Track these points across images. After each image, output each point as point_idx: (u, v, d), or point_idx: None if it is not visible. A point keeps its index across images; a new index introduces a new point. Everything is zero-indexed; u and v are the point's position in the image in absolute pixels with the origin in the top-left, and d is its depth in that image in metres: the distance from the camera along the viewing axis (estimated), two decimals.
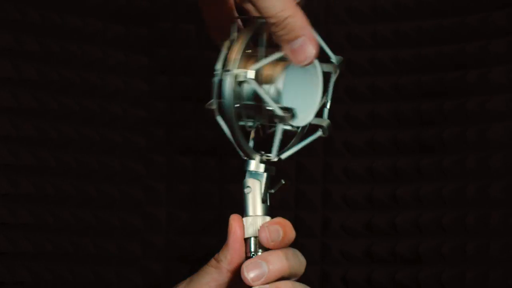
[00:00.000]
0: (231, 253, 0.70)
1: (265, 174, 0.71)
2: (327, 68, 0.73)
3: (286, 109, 0.69)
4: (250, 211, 0.70)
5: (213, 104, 0.70)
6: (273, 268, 0.68)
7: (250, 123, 0.71)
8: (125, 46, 0.91)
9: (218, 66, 0.69)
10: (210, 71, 0.92)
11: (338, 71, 0.74)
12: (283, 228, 0.69)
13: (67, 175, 0.85)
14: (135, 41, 0.92)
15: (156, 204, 0.91)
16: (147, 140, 0.91)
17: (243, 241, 0.70)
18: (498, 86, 0.84)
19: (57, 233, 0.84)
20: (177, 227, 0.91)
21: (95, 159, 0.87)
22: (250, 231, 0.70)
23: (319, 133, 0.73)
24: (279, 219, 0.70)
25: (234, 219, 0.70)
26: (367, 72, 0.90)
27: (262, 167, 0.71)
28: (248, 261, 0.68)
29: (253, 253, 0.70)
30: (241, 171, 0.73)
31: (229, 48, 0.70)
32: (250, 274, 0.68)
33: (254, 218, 0.70)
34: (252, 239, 0.70)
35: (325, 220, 0.90)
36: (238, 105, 0.69)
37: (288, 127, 0.71)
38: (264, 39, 0.69)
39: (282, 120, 0.69)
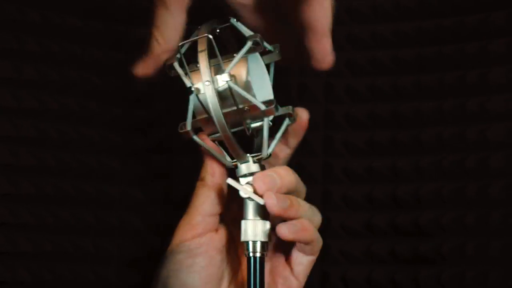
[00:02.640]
0: (209, 166, 0.73)
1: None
2: (269, 59, 0.75)
3: (267, 102, 0.70)
4: (250, 214, 0.71)
5: (187, 125, 0.71)
6: (284, 180, 0.70)
7: (235, 129, 0.72)
8: (125, 46, 0.91)
9: (189, 83, 0.70)
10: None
11: (279, 58, 0.75)
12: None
13: (67, 175, 0.85)
14: (135, 41, 0.91)
15: (156, 204, 0.91)
16: (147, 140, 0.91)
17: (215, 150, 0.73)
18: (497, 86, 0.84)
19: (57, 233, 0.84)
20: (176, 228, 0.91)
21: (95, 159, 0.87)
22: (249, 235, 0.70)
23: (288, 121, 0.74)
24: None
25: (201, 137, 0.73)
26: (366, 72, 0.90)
27: (255, 168, 0.72)
28: (259, 173, 0.70)
29: (251, 254, 0.70)
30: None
31: (190, 69, 0.71)
32: (263, 185, 0.69)
33: (254, 222, 0.70)
34: (251, 242, 0.70)
35: (325, 220, 0.90)
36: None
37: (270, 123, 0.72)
38: (216, 48, 0.71)
39: (269, 113, 0.70)
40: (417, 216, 0.87)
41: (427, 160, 0.87)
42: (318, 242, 0.73)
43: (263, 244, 0.70)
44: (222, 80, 0.69)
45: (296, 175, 0.73)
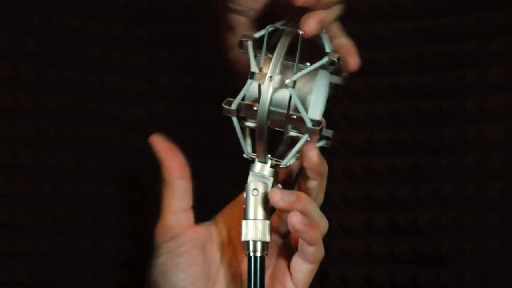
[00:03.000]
0: (165, 163, 0.74)
1: (271, 179, 0.71)
2: (336, 79, 0.74)
3: (315, 122, 0.70)
4: (251, 214, 0.70)
5: (234, 104, 0.70)
6: (299, 205, 0.70)
7: (273, 128, 0.72)
8: (124, 46, 0.91)
9: (255, 69, 0.70)
10: (209, 72, 0.92)
11: (342, 81, 0.75)
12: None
13: (66, 175, 0.85)
14: (134, 41, 0.92)
15: (155, 204, 0.91)
16: (146, 140, 0.91)
17: (167, 148, 0.74)
18: (496, 86, 0.84)
19: (56, 233, 0.84)
20: None
21: (94, 159, 0.87)
22: (250, 235, 0.70)
23: (322, 143, 0.73)
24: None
25: (152, 139, 0.75)
26: (365, 72, 0.90)
27: (269, 171, 0.71)
28: (278, 190, 0.70)
29: (252, 254, 0.70)
30: (240, 173, 0.73)
31: (264, 54, 0.70)
32: (281, 201, 0.69)
33: (255, 222, 0.70)
34: (251, 242, 0.70)
35: None
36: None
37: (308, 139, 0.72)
38: (299, 50, 0.70)
39: (312, 133, 0.70)
40: (416, 216, 0.87)
41: (426, 160, 0.87)
42: (321, 249, 0.72)
43: (264, 244, 0.70)
44: (285, 84, 0.69)
45: (315, 205, 0.72)
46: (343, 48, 0.74)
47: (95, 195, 0.87)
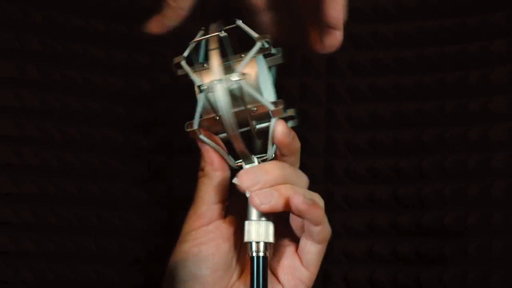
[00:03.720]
0: (207, 155, 0.73)
1: None
2: (273, 61, 0.75)
3: (275, 103, 0.70)
4: (254, 215, 0.71)
5: (195, 124, 0.71)
6: (269, 178, 0.70)
7: (241, 129, 0.72)
8: (127, 46, 0.91)
9: (199, 82, 0.70)
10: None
11: (282, 61, 0.76)
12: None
13: (69, 175, 0.85)
14: (138, 41, 0.92)
15: (158, 204, 0.91)
16: (149, 140, 0.91)
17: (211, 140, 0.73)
18: (499, 86, 0.84)
19: (59, 233, 0.84)
20: (178, 228, 0.91)
21: (97, 159, 0.87)
22: (253, 236, 0.70)
23: (289, 123, 0.74)
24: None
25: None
26: (368, 72, 0.90)
27: None
28: (242, 170, 0.71)
29: (255, 254, 0.70)
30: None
31: (200, 66, 0.71)
32: (244, 183, 0.69)
33: (258, 223, 0.70)
34: (254, 243, 0.70)
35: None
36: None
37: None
38: (231, 48, 0.72)
39: (277, 113, 0.70)
40: (419, 216, 0.87)
41: (429, 160, 0.87)
42: (327, 227, 0.72)
43: (267, 244, 0.70)
44: (233, 79, 0.69)
45: (289, 168, 0.72)
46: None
47: (99, 195, 0.87)
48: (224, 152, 0.73)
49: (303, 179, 0.74)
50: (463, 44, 0.87)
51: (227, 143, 0.73)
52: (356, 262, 0.89)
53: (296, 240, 0.74)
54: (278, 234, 0.73)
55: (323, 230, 0.72)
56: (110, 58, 0.90)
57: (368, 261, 0.89)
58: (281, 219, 0.73)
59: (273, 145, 0.72)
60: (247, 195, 0.70)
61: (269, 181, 0.70)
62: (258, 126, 0.73)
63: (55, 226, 0.83)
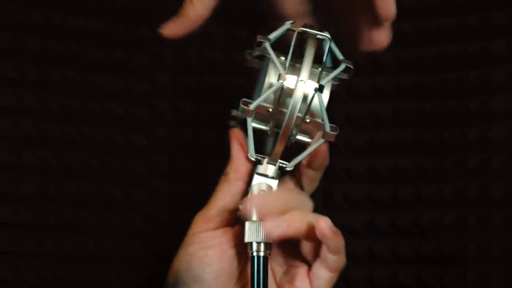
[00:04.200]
0: (235, 162, 0.72)
1: (276, 181, 0.71)
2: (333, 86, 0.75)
3: (333, 127, 0.70)
4: (254, 216, 0.70)
5: (253, 104, 0.70)
6: (274, 205, 0.70)
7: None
8: (126, 46, 0.91)
9: (282, 71, 0.70)
10: (211, 71, 0.92)
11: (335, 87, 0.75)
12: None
13: (68, 174, 0.85)
14: (136, 41, 0.92)
15: (157, 204, 0.91)
16: (148, 140, 0.91)
17: (244, 148, 0.72)
18: (499, 86, 0.84)
19: (59, 233, 0.84)
20: (178, 228, 0.91)
21: (96, 159, 0.87)
22: (253, 236, 0.70)
23: (321, 140, 0.73)
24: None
25: (233, 131, 0.73)
26: (368, 72, 0.90)
27: (275, 172, 0.72)
28: (252, 196, 0.70)
29: (255, 253, 0.70)
30: None
31: (291, 59, 0.70)
32: (251, 208, 0.69)
33: (257, 223, 0.70)
34: (255, 243, 0.70)
35: None
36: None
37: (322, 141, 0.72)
38: (326, 56, 0.71)
39: (329, 137, 0.70)
40: (418, 216, 0.87)
41: (429, 160, 0.87)
42: (343, 258, 0.72)
43: (267, 245, 0.70)
44: (314, 88, 0.69)
45: (293, 196, 0.72)
46: None
47: (98, 195, 0.87)
48: (251, 141, 0.72)
49: (308, 205, 0.73)
50: (463, 44, 0.87)
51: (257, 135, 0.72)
52: (356, 262, 0.89)
53: (308, 263, 0.73)
54: (291, 254, 0.73)
55: (339, 260, 0.71)
56: (109, 58, 0.90)
57: (368, 261, 0.89)
58: (295, 241, 0.73)
59: (300, 161, 0.72)
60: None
61: (275, 208, 0.70)
62: (298, 137, 0.72)
63: (55, 226, 0.83)
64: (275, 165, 0.71)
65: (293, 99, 0.69)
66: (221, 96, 0.92)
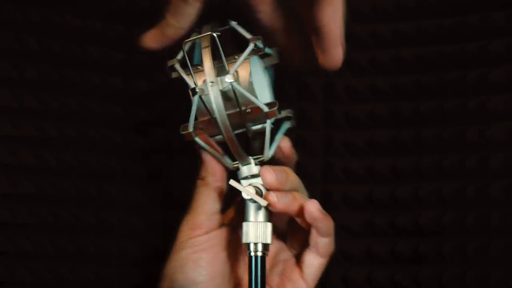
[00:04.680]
0: (210, 165, 0.73)
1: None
2: (269, 61, 0.75)
3: (269, 104, 0.70)
4: (252, 216, 0.71)
5: (190, 126, 0.71)
6: (290, 177, 0.72)
7: (236, 131, 0.72)
8: (125, 46, 0.91)
9: (192, 84, 0.70)
10: None
11: (278, 61, 0.75)
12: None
13: (67, 175, 0.85)
14: (136, 41, 0.91)
15: (156, 204, 0.91)
16: (147, 140, 0.91)
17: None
18: (498, 86, 0.84)
19: (57, 233, 0.84)
20: (177, 228, 0.91)
21: (95, 159, 0.87)
22: (251, 237, 0.70)
23: (288, 124, 0.74)
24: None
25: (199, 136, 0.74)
26: (366, 72, 0.90)
27: (257, 169, 0.72)
28: (268, 166, 0.71)
29: (253, 253, 0.70)
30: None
31: (193, 68, 0.71)
32: (273, 176, 0.71)
33: (256, 224, 0.70)
34: (252, 244, 0.70)
35: None
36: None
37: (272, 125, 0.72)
38: (220, 49, 0.71)
39: (271, 115, 0.70)
40: (417, 216, 0.87)
41: (428, 160, 0.87)
42: (333, 242, 0.73)
43: (265, 245, 0.70)
44: (226, 81, 0.69)
45: (299, 178, 0.73)
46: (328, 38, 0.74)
47: (97, 195, 0.87)
48: (220, 154, 0.73)
49: (306, 191, 0.75)
50: (462, 43, 0.87)
51: (223, 144, 0.72)
52: (355, 262, 0.89)
53: (295, 253, 0.74)
54: (277, 247, 0.73)
55: (330, 243, 0.72)
56: (109, 58, 0.90)
57: (366, 261, 0.89)
58: (280, 233, 0.73)
59: (270, 146, 0.72)
60: (246, 197, 0.70)
61: (287, 182, 0.71)
62: (253, 128, 0.72)
63: (53, 226, 0.83)
64: (250, 163, 0.71)
65: (212, 103, 0.69)
66: None
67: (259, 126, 0.72)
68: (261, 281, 0.70)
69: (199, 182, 0.74)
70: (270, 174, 0.70)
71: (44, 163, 0.83)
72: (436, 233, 0.86)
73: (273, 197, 0.70)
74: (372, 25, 0.90)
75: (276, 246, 0.74)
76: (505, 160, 0.83)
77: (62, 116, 0.85)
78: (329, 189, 0.90)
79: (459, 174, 0.85)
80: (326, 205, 0.90)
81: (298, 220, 0.72)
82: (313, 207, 0.70)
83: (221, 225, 0.74)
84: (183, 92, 0.93)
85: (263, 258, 0.70)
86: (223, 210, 0.76)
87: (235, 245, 0.75)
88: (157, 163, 0.91)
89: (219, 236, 0.73)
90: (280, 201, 0.70)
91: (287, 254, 0.75)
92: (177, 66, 0.72)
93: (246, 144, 0.75)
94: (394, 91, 0.89)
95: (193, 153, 0.92)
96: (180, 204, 0.87)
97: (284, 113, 0.74)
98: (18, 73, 0.83)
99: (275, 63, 0.76)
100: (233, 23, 0.73)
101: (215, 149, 0.73)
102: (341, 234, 0.90)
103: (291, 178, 0.72)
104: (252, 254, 0.70)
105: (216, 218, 0.74)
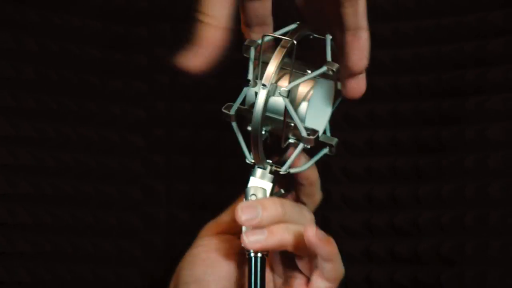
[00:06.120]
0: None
1: (271, 185, 0.71)
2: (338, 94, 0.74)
3: (311, 131, 0.69)
4: None
5: (232, 109, 0.70)
6: (267, 214, 0.67)
7: (266, 133, 0.71)
8: (124, 46, 0.91)
9: (251, 76, 0.69)
10: (210, 71, 0.92)
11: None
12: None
13: (65, 175, 0.85)
14: (135, 41, 0.91)
15: (155, 204, 0.91)
16: (146, 140, 0.91)
17: None
18: (496, 85, 0.84)
19: (55, 233, 0.84)
20: (176, 228, 0.91)
21: (93, 159, 0.87)
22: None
23: (325, 150, 0.73)
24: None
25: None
26: (365, 72, 0.90)
27: (269, 177, 0.71)
28: (244, 203, 0.68)
29: (252, 254, 0.70)
30: (240, 173, 0.73)
31: (261, 61, 0.69)
32: (243, 216, 0.67)
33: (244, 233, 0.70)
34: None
35: (324, 220, 0.90)
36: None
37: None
38: (293, 59, 0.69)
39: (307, 142, 0.69)
40: (416, 216, 0.87)
41: (426, 159, 0.87)
42: (339, 267, 0.70)
43: None
44: (279, 93, 0.69)
45: (290, 205, 0.70)
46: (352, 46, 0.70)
47: (95, 195, 0.87)
48: (245, 144, 0.72)
49: (307, 217, 0.71)
50: (460, 43, 0.86)
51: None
52: (353, 262, 0.89)
53: (306, 275, 0.73)
54: (290, 265, 0.72)
55: (335, 268, 0.70)
56: (107, 59, 0.89)
57: (365, 261, 0.89)
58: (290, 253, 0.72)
59: (290, 164, 0.71)
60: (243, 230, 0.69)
61: (264, 219, 0.68)
62: (290, 140, 0.72)
63: (51, 226, 0.83)
64: (264, 168, 0.71)
65: (256, 102, 0.68)
66: (219, 96, 0.91)
67: (295, 141, 0.72)
68: (260, 283, 0.69)
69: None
70: (240, 213, 0.68)
71: (42, 163, 0.83)
72: (435, 233, 0.86)
73: (242, 238, 0.68)
74: (371, 25, 0.90)
75: (289, 263, 0.73)
76: (504, 160, 0.83)
77: (60, 116, 0.85)
78: (328, 189, 0.90)
79: (458, 174, 0.85)
80: (325, 205, 0.90)
81: (295, 251, 0.71)
82: (310, 233, 0.68)
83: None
84: (182, 90, 0.93)
85: (262, 259, 0.70)
86: None
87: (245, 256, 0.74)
88: (156, 163, 0.91)
89: (234, 242, 0.72)
90: (250, 239, 0.68)
91: (298, 274, 0.73)
92: (252, 49, 0.70)
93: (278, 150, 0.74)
94: (393, 91, 0.89)
95: (192, 152, 0.92)
96: (178, 203, 0.87)
97: (324, 138, 0.73)
98: (16, 73, 0.82)
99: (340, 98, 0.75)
100: (329, 38, 0.71)
101: (257, 142, 0.71)
102: (340, 234, 0.90)
103: (270, 213, 0.68)
104: (252, 255, 0.70)
105: (238, 225, 0.72)
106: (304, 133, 0.69)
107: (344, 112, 0.90)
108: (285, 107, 0.69)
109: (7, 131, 0.81)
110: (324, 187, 0.90)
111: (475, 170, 0.84)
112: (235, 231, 0.73)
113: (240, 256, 0.72)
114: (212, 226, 0.74)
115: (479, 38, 0.85)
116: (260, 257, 0.70)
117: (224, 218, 0.73)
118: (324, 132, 0.73)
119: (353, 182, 0.90)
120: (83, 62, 0.88)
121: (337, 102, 0.74)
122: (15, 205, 0.81)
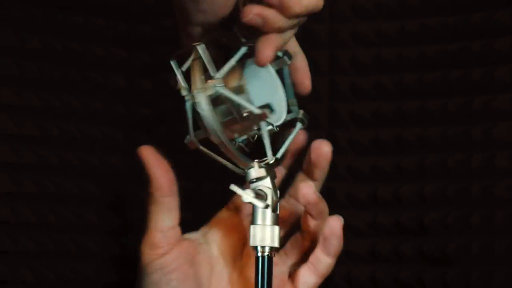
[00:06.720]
0: (155, 180, 0.70)
1: (268, 177, 0.71)
2: (277, 65, 0.74)
3: (262, 107, 0.69)
4: (259, 220, 0.70)
5: (191, 136, 0.70)
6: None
7: (238, 139, 0.71)
8: (127, 44, 0.90)
9: (184, 92, 0.69)
10: None
11: (289, 63, 0.74)
12: None
13: (69, 173, 0.85)
14: (138, 39, 0.91)
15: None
16: (149, 138, 0.91)
17: (158, 162, 0.71)
18: (503, 84, 0.84)
19: (59, 232, 0.84)
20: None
21: (97, 157, 0.87)
22: (258, 240, 0.69)
23: (299, 125, 0.73)
24: None
25: (142, 150, 0.72)
26: (371, 70, 0.90)
27: (263, 172, 0.71)
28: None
29: (260, 254, 0.69)
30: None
31: (182, 73, 0.69)
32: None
33: (263, 227, 0.70)
34: (259, 247, 0.70)
35: None
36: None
37: (270, 127, 0.71)
38: (205, 58, 0.68)
39: (263, 117, 0.69)
40: (421, 215, 0.87)
41: (432, 158, 0.87)
42: (333, 263, 0.72)
43: (272, 249, 0.70)
44: (212, 86, 0.68)
45: None
46: (299, 70, 0.73)
47: (98, 194, 0.87)
48: (226, 160, 0.72)
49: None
50: (467, 42, 0.86)
51: (253, 144, 0.72)
52: (358, 261, 0.89)
53: (291, 268, 0.73)
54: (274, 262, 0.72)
55: (332, 264, 0.71)
56: (111, 56, 0.89)
57: (370, 260, 0.89)
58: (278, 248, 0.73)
59: (279, 149, 0.71)
60: (245, 200, 0.69)
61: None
62: (252, 133, 0.72)
63: (55, 224, 0.83)
64: (254, 166, 0.70)
65: (202, 110, 0.68)
66: None
67: (258, 130, 0.71)
68: (267, 282, 0.69)
69: (148, 199, 0.72)
70: (308, 188, 0.69)
71: (46, 162, 0.83)
72: (441, 232, 0.86)
73: (309, 187, 0.70)
74: (377, 23, 0.90)
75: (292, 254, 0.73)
76: (510, 159, 0.83)
77: (63, 114, 0.85)
78: (334, 188, 0.90)
79: (464, 173, 0.85)
80: (330, 203, 0.90)
81: (304, 234, 0.71)
82: (306, 190, 0.70)
83: (181, 240, 0.72)
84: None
85: (270, 258, 0.69)
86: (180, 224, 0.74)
87: (200, 258, 0.73)
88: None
89: (185, 252, 0.71)
90: (315, 193, 0.70)
91: (281, 268, 0.74)
92: (179, 77, 0.71)
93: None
94: (399, 89, 0.89)
95: (195, 152, 0.92)
96: (181, 203, 0.87)
97: (290, 115, 0.73)
98: (20, 71, 0.82)
99: (286, 65, 0.75)
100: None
101: (229, 149, 0.71)
102: (345, 233, 0.89)
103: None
104: (259, 254, 0.69)
105: (172, 234, 0.71)
106: (257, 111, 0.68)
107: (349, 111, 0.90)
108: (231, 102, 0.68)
109: (10, 129, 0.81)
110: (329, 186, 0.90)
111: (481, 169, 0.84)
112: (174, 241, 0.71)
113: (195, 265, 0.72)
114: (151, 248, 0.71)
115: (486, 36, 0.85)
116: (268, 256, 0.70)
117: (157, 237, 0.71)
118: (289, 112, 0.73)
119: (359, 181, 0.90)
120: (86, 60, 0.88)
121: (285, 71, 0.74)
122: (18, 204, 0.81)
